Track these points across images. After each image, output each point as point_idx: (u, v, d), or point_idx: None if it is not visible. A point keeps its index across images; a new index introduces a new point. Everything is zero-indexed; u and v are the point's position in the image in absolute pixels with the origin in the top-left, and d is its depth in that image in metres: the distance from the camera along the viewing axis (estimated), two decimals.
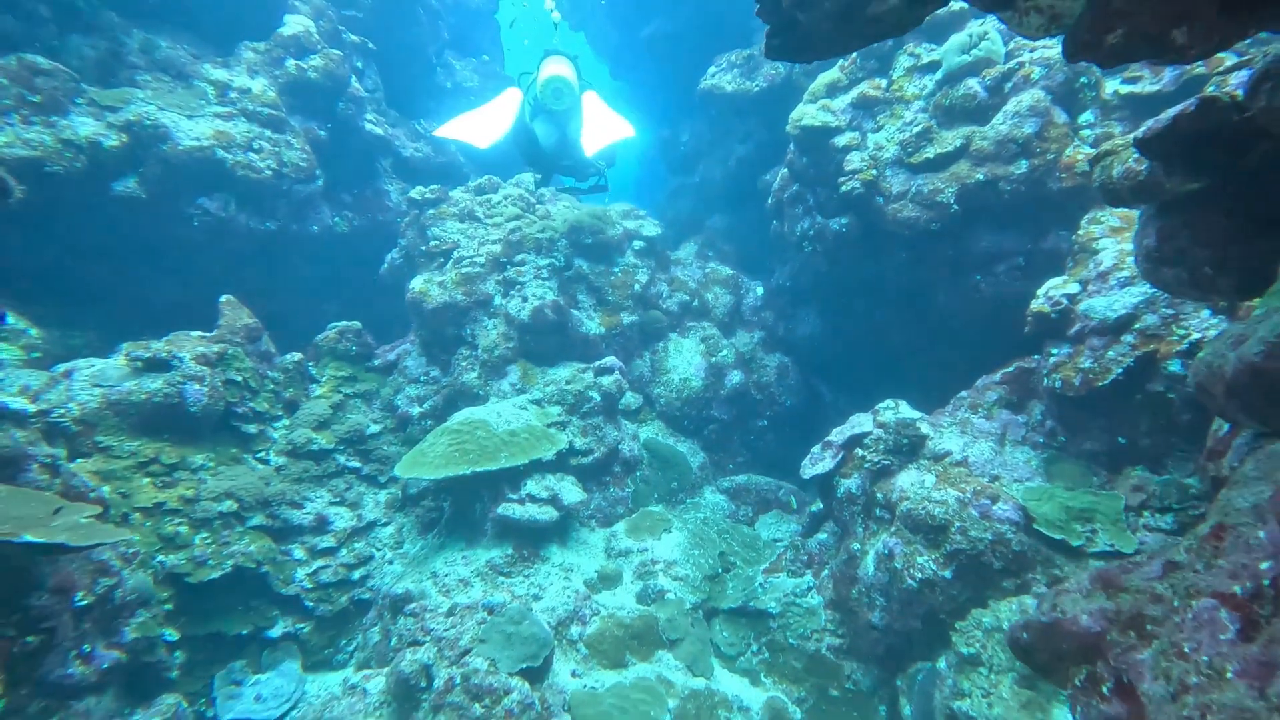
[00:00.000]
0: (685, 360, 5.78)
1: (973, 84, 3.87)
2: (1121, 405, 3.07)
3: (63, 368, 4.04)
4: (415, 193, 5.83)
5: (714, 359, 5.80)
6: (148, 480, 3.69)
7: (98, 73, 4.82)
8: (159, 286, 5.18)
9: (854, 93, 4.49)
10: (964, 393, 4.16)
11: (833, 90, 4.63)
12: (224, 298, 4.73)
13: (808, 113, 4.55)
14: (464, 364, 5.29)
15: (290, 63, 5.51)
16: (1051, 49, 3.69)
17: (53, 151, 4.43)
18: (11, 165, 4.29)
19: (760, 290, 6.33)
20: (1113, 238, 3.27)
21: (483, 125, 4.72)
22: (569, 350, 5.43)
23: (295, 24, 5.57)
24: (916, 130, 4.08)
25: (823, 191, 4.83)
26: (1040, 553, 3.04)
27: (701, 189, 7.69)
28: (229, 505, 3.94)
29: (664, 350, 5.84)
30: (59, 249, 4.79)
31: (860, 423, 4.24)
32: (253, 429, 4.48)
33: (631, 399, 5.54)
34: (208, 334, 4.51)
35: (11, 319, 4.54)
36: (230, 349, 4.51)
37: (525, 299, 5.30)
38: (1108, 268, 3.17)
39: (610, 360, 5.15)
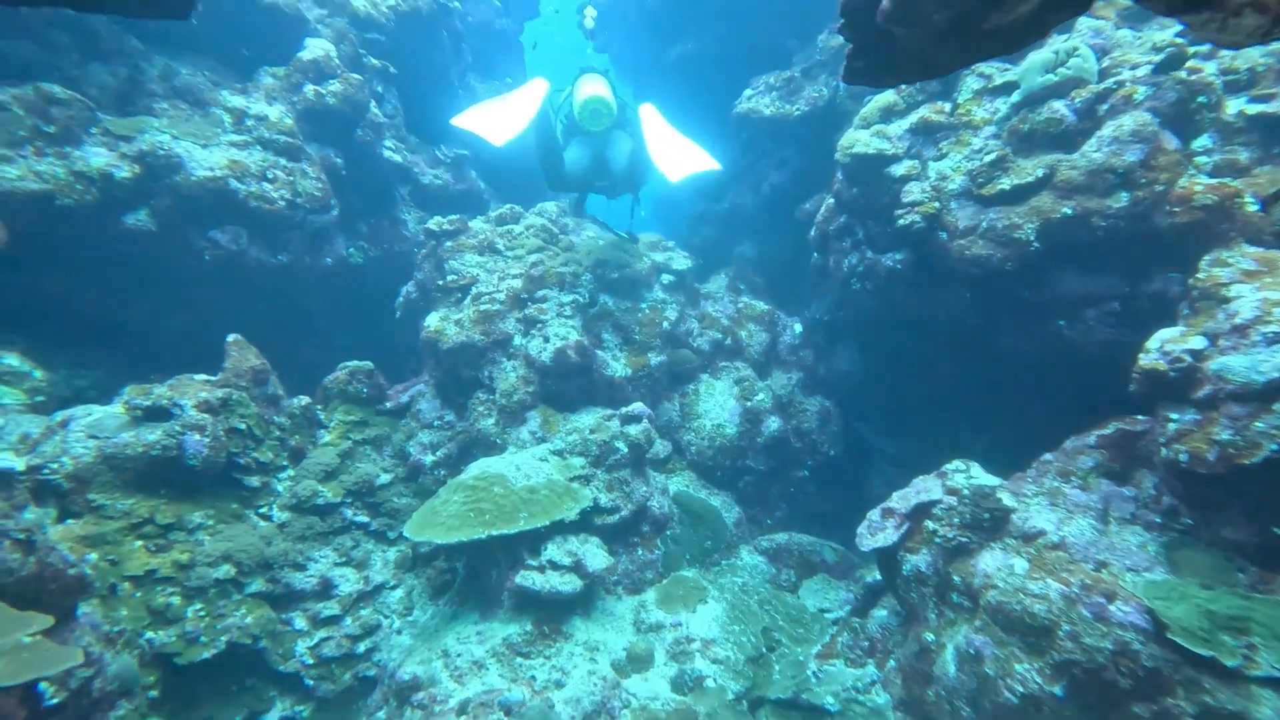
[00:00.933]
0: (718, 404, 5.32)
1: (1058, 107, 3.41)
2: (1276, 489, 2.53)
3: (60, 416, 3.78)
4: (433, 223, 5.55)
5: (749, 403, 5.33)
6: (140, 544, 3.36)
7: (116, 101, 4.65)
8: (168, 322, 4.95)
9: (913, 117, 4.06)
10: (1049, 455, 3.62)
11: (888, 115, 4.22)
12: (231, 337, 4.45)
13: (860, 139, 4.14)
14: (481, 409, 4.91)
15: (309, 88, 5.31)
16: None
17: (64, 184, 4.23)
18: (22, 199, 4.11)
19: (798, 328, 5.87)
20: (1248, 284, 2.75)
21: (501, 118, 4.47)
22: (593, 394, 5.03)
23: (315, 48, 5.39)
24: (989, 159, 3.63)
25: (874, 225, 4.39)
26: (1181, 671, 2.48)
27: (730, 216, 7.31)
28: (226, 570, 3.58)
29: (694, 393, 5.39)
30: (66, 285, 4.58)
31: (927, 488, 3.73)
32: (255, 482, 4.15)
33: (660, 447, 5.10)
34: (212, 378, 4.22)
35: (15, 360, 4.33)
36: (235, 394, 4.20)
37: (547, 339, 4.93)
38: (1247, 320, 2.65)
39: (638, 407, 4.73)
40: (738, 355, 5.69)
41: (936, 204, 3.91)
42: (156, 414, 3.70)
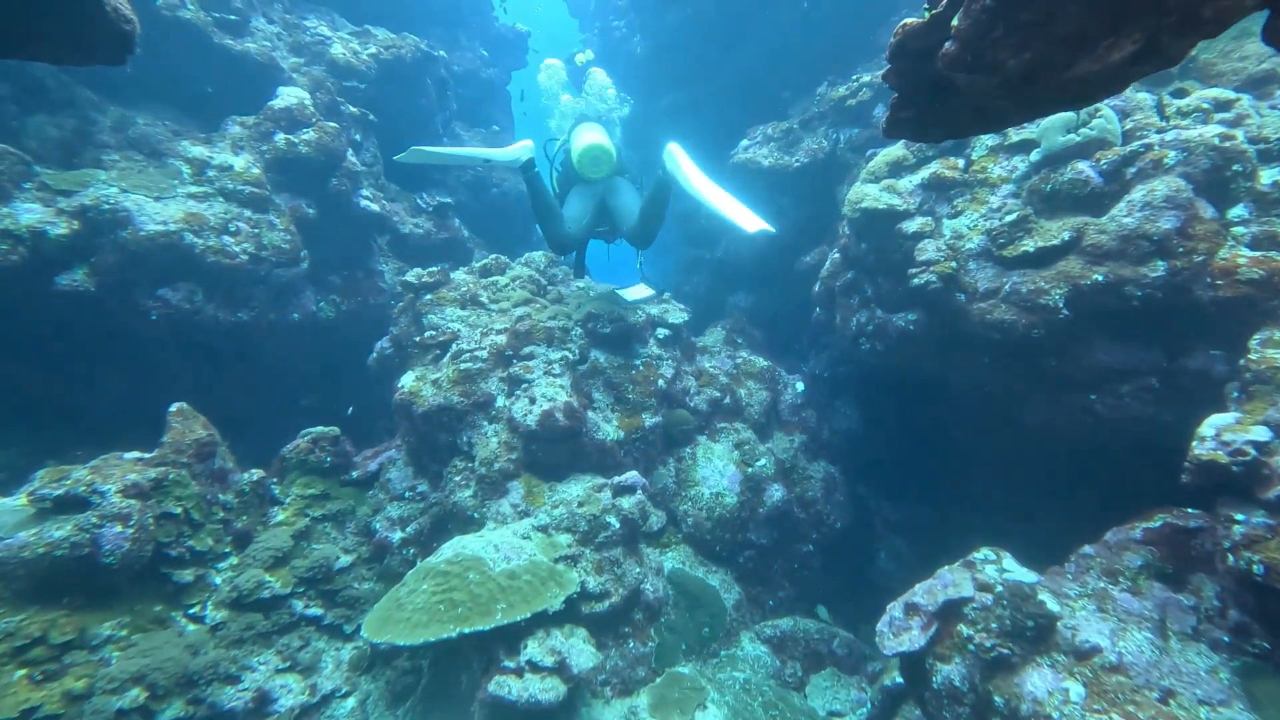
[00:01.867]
0: (716, 470, 4.90)
1: (1083, 168, 3.19)
2: None
3: None
4: (411, 275, 5.19)
5: (750, 469, 4.92)
6: (22, 674, 2.79)
7: (60, 153, 4.30)
8: (105, 390, 4.46)
9: (924, 173, 3.84)
10: (1089, 549, 3.23)
11: (897, 169, 4.00)
12: (174, 407, 3.98)
13: (869, 194, 3.90)
14: (458, 479, 4.44)
15: (280, 137, 5.02)
16: (1190, 129, 3.03)
17: None
18: None
19: (800, 386, 5.53)
20: None
21: (446, 151, 4.52)
22: (581, 460, 4.59)
23: (289, 96, 5.13)
24: (1009, 219, 3.38)
25: (885, 282, 4.11)
26: None
27: (724, 265, 7.08)
28: (135, 696, 3.01)
29: (691, 457, 4.97)
30: None
31: (955, 582, 3.29)
32: (189, 576, 3.60)
33: (654, 520, 4.64)
34: (146, 455, 3.72)
35: None
36: (172, 473, 3.70)
37: (533, 400, 4.51)
38: None
39: (632, 477, 4.29)
40: (737, 415, 5.31)
41: (954, 264, 3.64)
42: (69, 504, 3.18)
